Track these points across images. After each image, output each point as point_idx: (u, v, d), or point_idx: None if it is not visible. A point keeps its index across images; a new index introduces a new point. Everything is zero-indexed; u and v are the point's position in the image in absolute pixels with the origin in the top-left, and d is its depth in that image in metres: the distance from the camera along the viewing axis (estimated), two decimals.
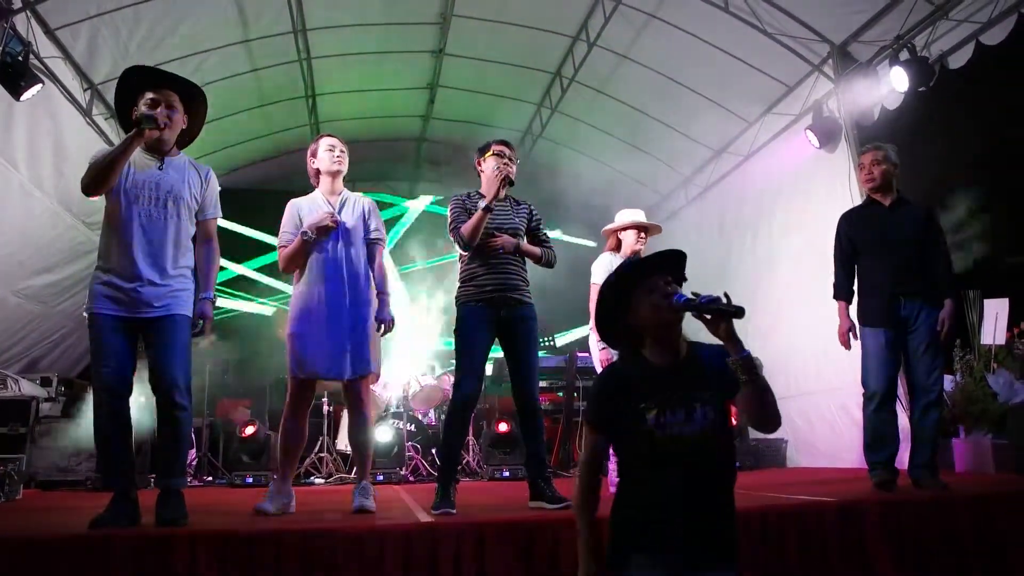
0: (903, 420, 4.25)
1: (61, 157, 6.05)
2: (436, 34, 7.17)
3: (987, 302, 5.35)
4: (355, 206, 3.64)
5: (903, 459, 3.88)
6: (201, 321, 3.08)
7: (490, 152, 3.65)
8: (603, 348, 4.09)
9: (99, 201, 6.68)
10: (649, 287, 1.92)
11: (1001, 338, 5.21)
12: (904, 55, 5.41)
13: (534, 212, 3.74)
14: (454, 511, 3.16)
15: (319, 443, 6.62)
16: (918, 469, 3.70)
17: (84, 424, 6.55)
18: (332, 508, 3.68)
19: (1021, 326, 5.55)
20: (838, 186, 5.95)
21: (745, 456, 6.76)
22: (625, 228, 4.40)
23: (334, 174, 3.63)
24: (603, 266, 4.32)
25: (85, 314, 2.96)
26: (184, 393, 2.95)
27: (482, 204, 3.44)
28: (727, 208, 7.72)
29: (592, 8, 6.71)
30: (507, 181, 3.52)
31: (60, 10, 5.26)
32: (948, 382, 5.45)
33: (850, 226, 4.11)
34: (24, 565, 2.41)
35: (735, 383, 1.86)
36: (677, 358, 1.94)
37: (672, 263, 2.00)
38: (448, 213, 3.64)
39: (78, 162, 6.19)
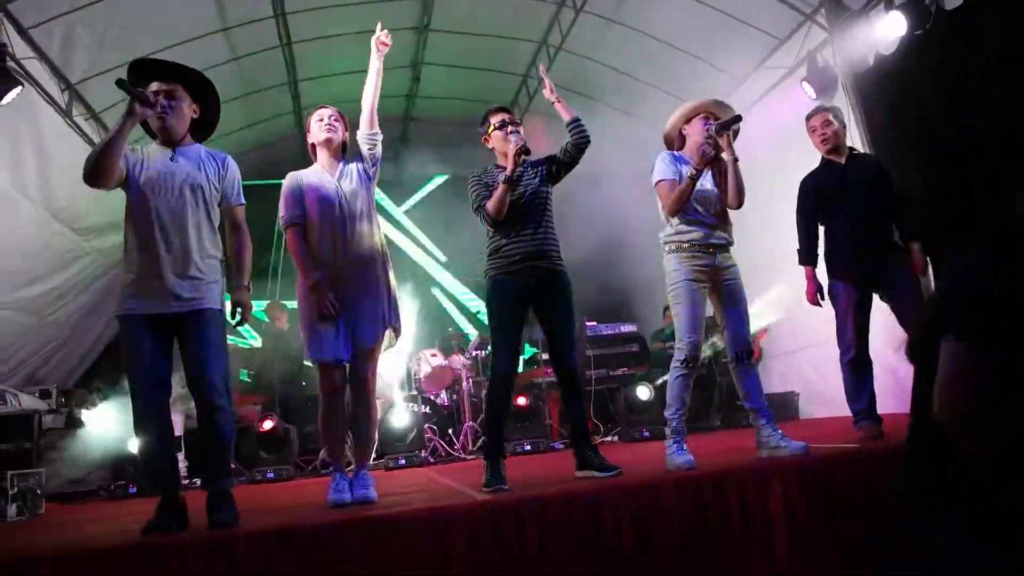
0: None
1: (44, 161, 5.85)
2: (419, 10, 7.02)
3: None
4: (352, 173, 3.44)
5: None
6: (239, 309, 2.99)
7: (492, 126, 3.55)
8: None
9: (85, 206, 6.57)
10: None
11: None
12: None
13: (554, 156, 3.59)
14: (507, 487, 3.12)
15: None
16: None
17: (90, 433, 6.44)
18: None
19: None
20: None
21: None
22: (689, 119, 3.60)
23: (326, 143, 3.43)
24: (665, 161, 3.52)
25: (116, 317, 2.85)
26: (222, 393, 2.86)
27: (502, 177, 3.37)
28: None
29: None
30: (523, 151, 3.42)
31: (33, 8, 5.05)
32: None
33: (811, 188, 4.15)
34: None
35: None
36: None
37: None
38: (469, 192, 3.55)
39: (61, 166, 6.03)
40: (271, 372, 7.19)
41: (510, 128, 3.50)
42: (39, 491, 4.56)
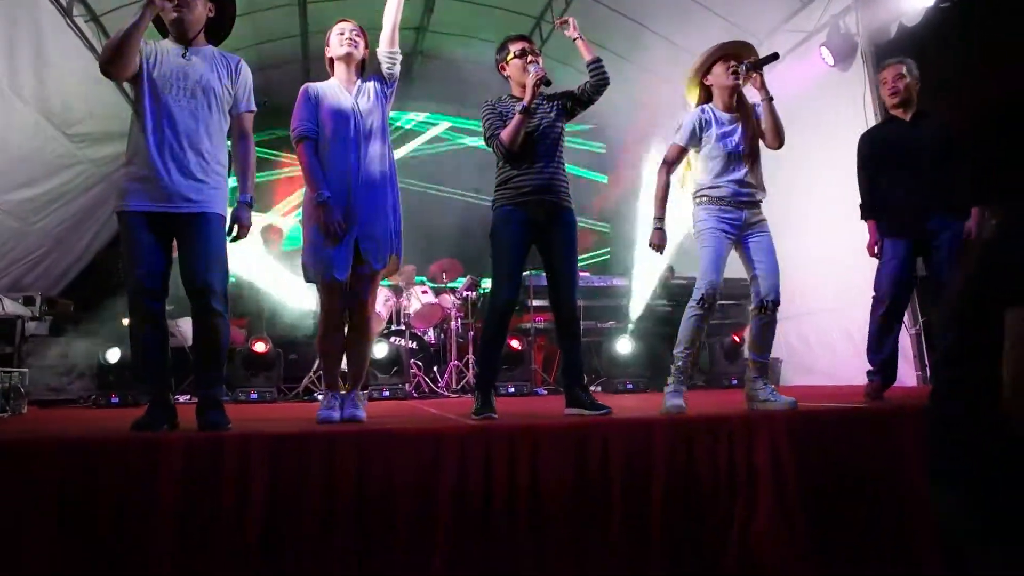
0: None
1: (42, 63, 5.66)
2: None
3: None
4: (369, 91, 3.35)
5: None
6: (236, 226, 2.94)
7: (511, 54, 3.47)
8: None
9: (81, 112, 6.39)
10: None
11: None
12: None
13: (572, 91, 3.53)
14: (496, 416, 3.13)
15: (317, 361, 6.55)
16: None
17: (74, 343, 6.41)
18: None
19: None
20: (852, 105, 5.86)
21: (740, 371, 6.88)
22: (708, 66, 3.46)
23: (345, 58, 3.31)
24: (690, 121, 3.41)
25: (115, 212, 2.79)
26: (220, 299, 2.83)
27: (519, 107, 3.30)
28: None
29: None
30: (543, 81, 3.33)
31: None
32: None
33: (872, 144, 4.14)
34: (73, 467, 2.32)
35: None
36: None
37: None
38: (481, 121, 3.48)
39: (59, 69, 5.86)
40: (259, 294, 7.13)
41: (530, 58, 3.42)
42: (22, 390, 4.52)
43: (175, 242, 2.87)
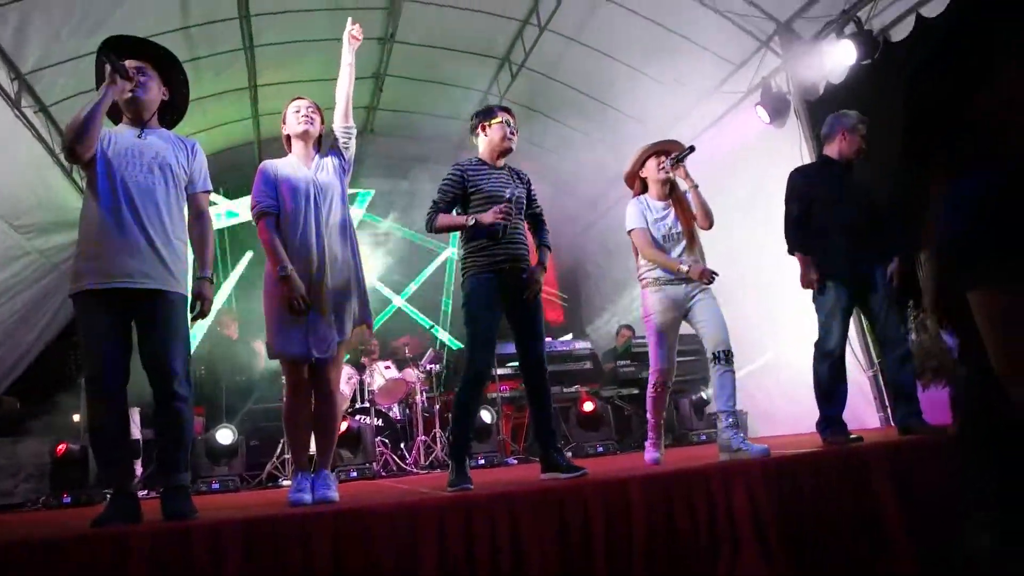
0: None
1: None
2: (383, 20, 7.02)
3: None
4: (328, 166, 3.39)
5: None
6: (199, 303, 2.88)
7: (496, 119, 3.54)
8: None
9: (28, 202, 6.29)
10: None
11: None
12: (850, 28, 5.64)
13: (530, 185, 3.67)
14: (472, 487, 3.08)
15: (280, 446, 6.38)
16: (912, 417, 3.83)
17: (21, 443, 6.12)
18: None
19: None
20: (789, 160, 6.12)
21: (708, 429, 6.92)
22: (643, 161, 3.94)
23: (302, 135, 3.36)
24: (634, 209, 3.89)
25: (70, 297, 2.72)
26: (183, 382, 2.76)
27: (470, 221, 3.36)
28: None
29: None
30: (506, 218, 3.36)
31: None
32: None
33: (807, 181, 4.20)
34: (35, 567, 2.19)
35: None
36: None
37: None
38: (441, 181, 3.51)
39: (4, 159, 5.79)
40: (217, 381, 6.97)
41: (509, 131, 3.52)
42: None
43: (134, 325, 2.80)
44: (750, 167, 6.84)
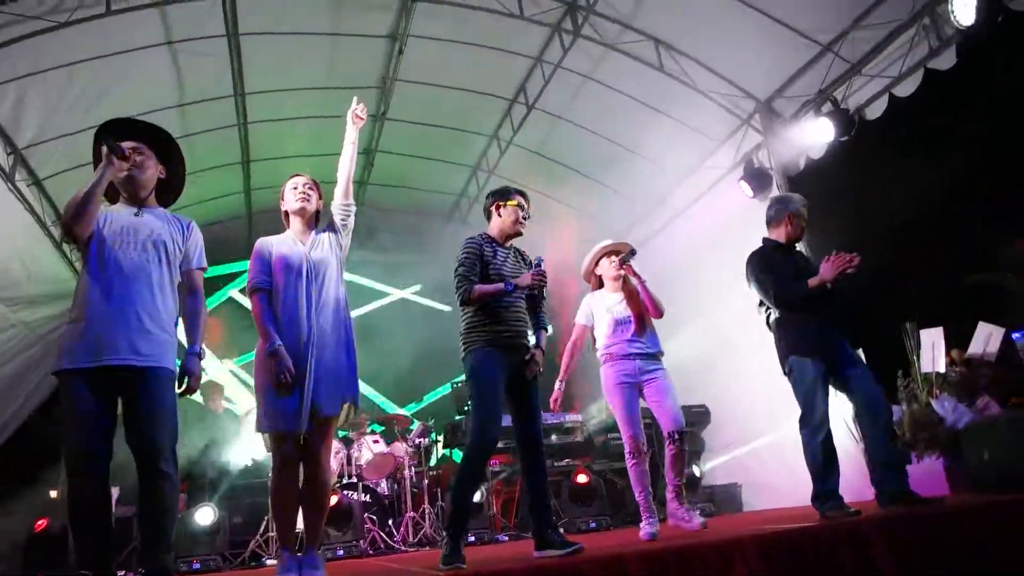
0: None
1: None
2: (376, 98, 7.22)
3: (923, 332, 5.67)
4: (323, 242, 3.40)
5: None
6: (187, 378, 2.85)
7: (513, 201, 3.59)
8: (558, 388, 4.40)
9: (18, 274, 6.28)
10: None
11: (940, 366, 5.51)
12: (827, 107, 5.86)
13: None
14: (465, 566, 2.98)
15: (264, 523, 6.20)
16: (902, 486, 3.78)
17: None
18: None
19: (952, 355, 5.91)
20: None
21: (703, 503, 6.81)
22: (597, 261, 4.47)
23: (299, 212, 3.37)
24: (585, 305, 4.46)
25: (53, 374, 2.69)
26: (170, 461, 2.69)
27: (507, 286, 3.40)
28: (665, 259, 7.92)
29: (531, 72, 6.96)
30: (541, 279, 3.46)
31: None
32: (896, 411, 5.72)
33: (772, 264, 4.14)
34: None
35: None
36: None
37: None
38: (459, 254, 3.52)
39: None
40: (201, 456, 6.81)
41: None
42: None
43: (120, 400, 2.75)
44: (735, 240, 6.95)
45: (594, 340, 4.42)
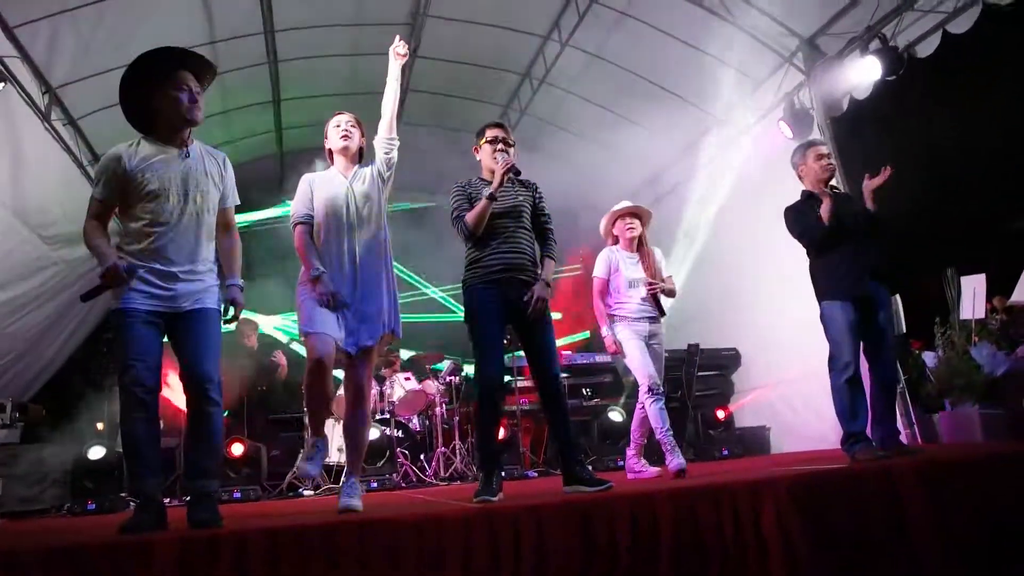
0: None
1: (18, 164, 5.69)
2: (407, 35, 7.07)
3: (964, 279, 5.55)
4: (366, 175, 3.47)
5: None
6: (232, 308, 2.98)
7: (484, 139, 3.60)
8: (607, 335, 4.61)
9: (56, 213, 6.37)
10: None
11: (980, 312, 5.41)
12: (875, 45, 5.61)
13: (538, 192, 3.67)
14: (495, 499, 3.06)
15: (300, 455, 6.39)
16: (889, 439, 3.86)
17: (47, 449, 6.18)
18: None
19: (993, 302, 5.79)
20: None
21: (734, 444, 6.87)
22: (613, 222, 4.77)
23: (343, 151, 3.47)
24: (603, 259, 4.73)
25: (115, 308, 2.77)
26: (217, 388, 2.82)
27: (486, 192, 3.39)
28: (702, 201, 7.79)
29: (565, 6, 6.75)
30: (511, 170, 3.43)
31: (20, 6, 4.97)
32: (931, 358, 5.64)
33: (800, 212, 4.16)
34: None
35: None
36: None
37: None
38: (449, 201, 3.56)
39: (35, 171, 5.89)
40: (234, 389, 6.99)
41: (500, 145, 3.54)
42: None
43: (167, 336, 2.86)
44: (774, 182, 6.79)
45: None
